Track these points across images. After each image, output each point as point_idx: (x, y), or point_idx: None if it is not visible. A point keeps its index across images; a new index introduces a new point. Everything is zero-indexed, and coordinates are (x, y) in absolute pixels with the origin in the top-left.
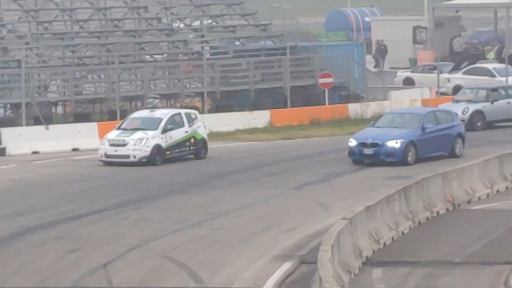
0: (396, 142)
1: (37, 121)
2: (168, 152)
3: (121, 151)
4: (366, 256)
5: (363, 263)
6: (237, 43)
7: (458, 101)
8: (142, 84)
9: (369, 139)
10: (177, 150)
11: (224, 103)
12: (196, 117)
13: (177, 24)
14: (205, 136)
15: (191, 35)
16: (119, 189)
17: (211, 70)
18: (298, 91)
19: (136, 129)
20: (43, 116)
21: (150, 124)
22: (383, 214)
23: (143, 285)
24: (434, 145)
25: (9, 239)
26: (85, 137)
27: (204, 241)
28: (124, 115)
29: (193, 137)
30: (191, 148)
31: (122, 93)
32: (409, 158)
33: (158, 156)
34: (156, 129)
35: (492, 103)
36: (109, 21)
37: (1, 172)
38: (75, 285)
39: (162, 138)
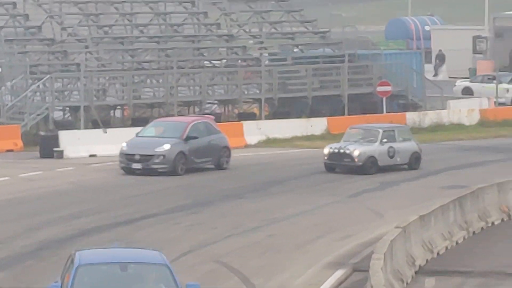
0: None
1: (95, 125)
2: None
3: None
4: (419, 265)
5: (416, 272)
6: (295, 50)
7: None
8: (200, 89)
9: None
10: None
11: (281, 109)
12: None
13: (237, 30)
14: None
15: (250, 41)
16: (176, 193)
17: (269, 77)
18: (356, 99)
19: None
20: (101, 120)
21: None
22: (437, 224)
23: None
24: None
25: (65, 241)
26: None
27: (258, 247)
28: None
29: None
30: None
31: (180, 98)
32: None
33: None
34: None
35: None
36: (169, 26)
37: (59, 175)
38: None
39: None
